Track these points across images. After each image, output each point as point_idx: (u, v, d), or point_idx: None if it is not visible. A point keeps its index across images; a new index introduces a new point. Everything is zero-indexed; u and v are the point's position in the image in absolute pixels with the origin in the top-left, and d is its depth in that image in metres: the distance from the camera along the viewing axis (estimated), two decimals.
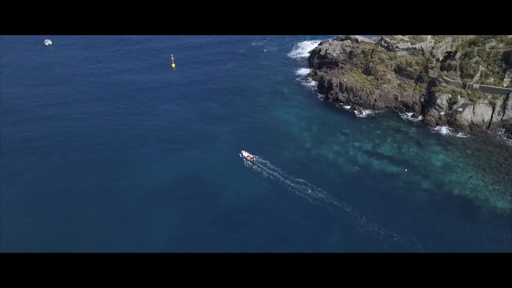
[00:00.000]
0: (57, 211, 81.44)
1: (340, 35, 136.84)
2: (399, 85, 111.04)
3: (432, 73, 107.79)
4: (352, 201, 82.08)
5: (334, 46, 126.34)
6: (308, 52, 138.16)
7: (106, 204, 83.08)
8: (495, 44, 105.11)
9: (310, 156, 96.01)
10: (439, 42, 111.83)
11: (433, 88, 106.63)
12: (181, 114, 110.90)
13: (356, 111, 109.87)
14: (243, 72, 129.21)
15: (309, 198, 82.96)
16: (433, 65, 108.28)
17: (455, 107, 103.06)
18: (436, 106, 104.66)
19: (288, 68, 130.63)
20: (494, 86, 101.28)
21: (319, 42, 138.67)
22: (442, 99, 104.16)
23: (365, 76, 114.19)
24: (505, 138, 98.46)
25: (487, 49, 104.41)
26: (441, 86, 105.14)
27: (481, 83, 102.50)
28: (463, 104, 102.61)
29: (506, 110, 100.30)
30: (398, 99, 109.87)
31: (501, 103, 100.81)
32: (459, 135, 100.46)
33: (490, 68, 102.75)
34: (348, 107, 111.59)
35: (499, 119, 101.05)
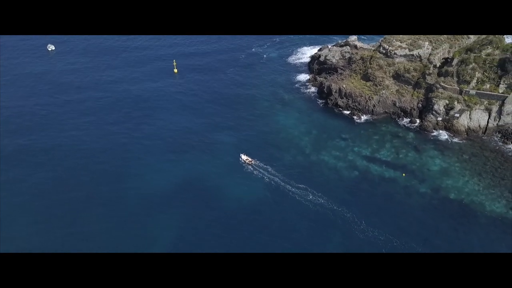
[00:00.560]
0: (63, 215, 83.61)
1: (339, 41, 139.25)
2: (397, 91, 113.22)
3: (430, 79, 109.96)
4: (352, 206, 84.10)
5: (333, 52, 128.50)
6: (308, 57, 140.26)
7: (110, 206, 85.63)
8: (491, 51, 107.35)
9: (310, 160, 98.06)
10: (436, 48, 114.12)
11: (430, 94, 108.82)
12: (183, 120, 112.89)
13: (355, 117, 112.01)
14: (244, 78, 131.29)
15: (309, 204, 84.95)
16: (431, 71, 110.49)
17: (452, 112, 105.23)
18: (433, 112, 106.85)
19: (288, 74, 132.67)
20: (490, 92, 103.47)
21: (318, 48, 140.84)
22: (439, 105, 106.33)
23: (364, 82, 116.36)
24: (500, 143, 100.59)
25: (483, 56, 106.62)
26: (438, 92, 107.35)
27: (477, 89, 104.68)
28: (460, 109, 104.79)
29: (501, 116, 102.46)
30: (396, 105, 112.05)
31: (497, 109, 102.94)
32: (456, 140, 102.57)
33: (486, 74, 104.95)
34: (347, 112, 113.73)
35: (495, 125, 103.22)
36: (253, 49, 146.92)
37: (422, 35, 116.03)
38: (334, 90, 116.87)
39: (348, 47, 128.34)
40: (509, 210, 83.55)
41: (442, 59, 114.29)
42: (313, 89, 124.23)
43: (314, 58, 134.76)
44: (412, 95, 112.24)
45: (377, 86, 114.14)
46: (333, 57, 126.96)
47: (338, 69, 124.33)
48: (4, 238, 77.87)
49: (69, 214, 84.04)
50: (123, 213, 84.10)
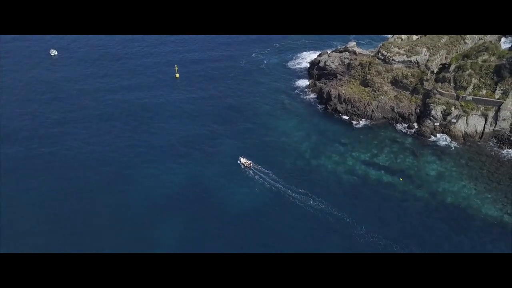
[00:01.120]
0: (68, 219, 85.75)
1: (339, 47, 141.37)
2: (395, 96, 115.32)
3: (427, 85, 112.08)
4: (352, 211, 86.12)
5: (332, 57, 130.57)
6: (307, 62, 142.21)
7: (115, 209, 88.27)
8: (487, 57, 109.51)
9: (310, 165, 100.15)
10: (433, 55, 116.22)
11: (428, 99, 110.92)
12: (184, 126, 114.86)
13: (354, 122, 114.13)
14: (244, 84, 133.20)
15: (310, 209, 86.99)
16: (428, 77, 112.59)
17: (449, 118, 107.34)
18: (431, 117, 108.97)
19: (288, 79, 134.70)
20: (486, 98, 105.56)
21: (318, 53, 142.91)
22: (437, 110, 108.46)
23: (363, 87, 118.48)
24: (496, 148, 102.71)
25: (480, 62, 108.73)
26: (436, 98, 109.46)
27: (474, 95, 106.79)
28: (456, 115, 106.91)
29: (497, 121, 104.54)
30: (395, 110, 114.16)
31: (493, 114, 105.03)
32: (453, 145, 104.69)
33: (483, 80, 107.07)
34: (347, 117, 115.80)
35: (491, 130, 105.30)
36: (253, 55, 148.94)
37: (420, 42, 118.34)
38: (334, 96, 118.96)
39: (347, 53, 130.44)
40: (504, 214, 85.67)
41: (440, 65, 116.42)
42: (312, 94, 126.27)
43: (313, 63, 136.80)
44: (410, 100, 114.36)
45: (375, 92, 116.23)
46: (333, 62, 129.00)
47: (338, 74, 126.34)
48: (6, 238, 79.99)
49: (71, 219, 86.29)
50: (125, 216, 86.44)
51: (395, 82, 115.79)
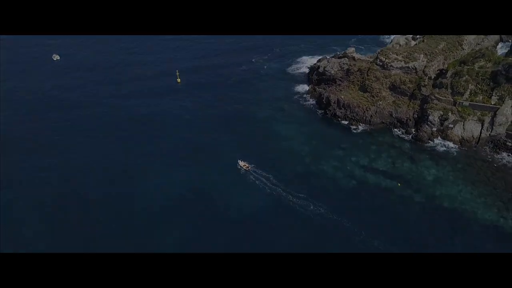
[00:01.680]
0: (70, 226, 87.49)
1: (338, 52, 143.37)
2: (393, 102, 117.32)
3: (425, 91, 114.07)
4: (351, 216, 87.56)
5: (332, 63, 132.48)
6: (307, 67, 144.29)
7: (116, 215, 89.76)
8: (484, 63, 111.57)
9: (309, 170, 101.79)
10: (431, 61, 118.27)
11: (425, 105, 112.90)
12: (185, 132, 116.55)
13: (353, 127, 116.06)
14: (245, 89, 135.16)
15: (310, 214, 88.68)
16: (426, 83, 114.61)
17: (446, 123, 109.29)
18: (428, 122, 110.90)
19: (288, 85, 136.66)
20: (482, 104, 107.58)
21: (317, 59, 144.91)
22: (434, 116, 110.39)
23: (362, 93, 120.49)
24: (493, 153, 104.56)
25: (476, 69, 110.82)
26: (433, 103, 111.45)
27: (470, 101, 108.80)
28: (453, 120, 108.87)
29: (494, 127, 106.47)
30: (393, 115, 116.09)
31: (489, 119, 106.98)
32: (450, 150, 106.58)
33: (479, 86, 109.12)
34: (345, 122, 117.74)
35: (488, 135, 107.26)
36: (253, 60, 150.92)
37: (417, 48, 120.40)
38: (333, 101, 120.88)
39: (346, 58, 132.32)
40: (500, 218, 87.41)
41: (437, 71, 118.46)
42: (312, 99, 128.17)
43: (313, 69, 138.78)
44: (408, 106, 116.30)
45: (374, 97, 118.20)
46: (332, 68, 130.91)
47: (337, 80, 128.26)
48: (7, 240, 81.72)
49: (73, 227, 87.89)
50: (126, 222, 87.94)
51: (393, 88, 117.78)
